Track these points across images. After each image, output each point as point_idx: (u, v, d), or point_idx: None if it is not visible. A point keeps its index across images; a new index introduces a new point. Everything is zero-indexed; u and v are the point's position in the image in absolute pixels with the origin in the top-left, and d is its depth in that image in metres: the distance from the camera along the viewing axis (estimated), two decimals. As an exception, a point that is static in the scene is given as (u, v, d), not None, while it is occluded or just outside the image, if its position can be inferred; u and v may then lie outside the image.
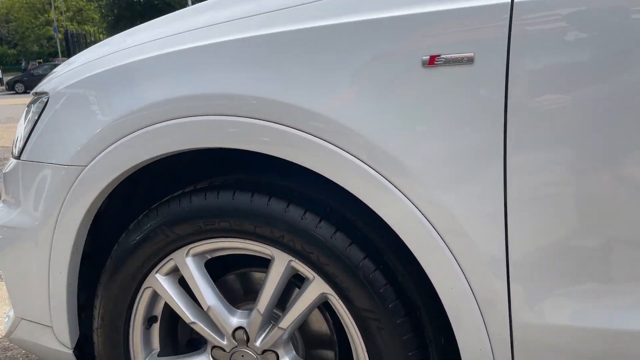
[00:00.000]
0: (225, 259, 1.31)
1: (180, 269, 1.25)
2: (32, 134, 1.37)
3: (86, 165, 1.25)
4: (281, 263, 1.16)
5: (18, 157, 1.41)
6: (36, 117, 1.37)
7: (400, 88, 0.97)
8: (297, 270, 1.17)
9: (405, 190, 1.00)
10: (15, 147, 1.47)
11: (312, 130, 1.02)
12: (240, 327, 1.24)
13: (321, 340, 1.32)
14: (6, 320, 1.66)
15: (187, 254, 1.24)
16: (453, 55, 0.92)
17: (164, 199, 1.26)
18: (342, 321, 1.17)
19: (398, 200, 1.00)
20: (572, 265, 0.94)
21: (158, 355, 1.37)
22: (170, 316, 1.39)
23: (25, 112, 1.50)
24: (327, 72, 1.01)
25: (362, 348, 1.14)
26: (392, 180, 1.00)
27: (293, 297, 1.20)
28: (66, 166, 1.28)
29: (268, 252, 1.17)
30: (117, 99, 1.20)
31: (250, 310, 1.26)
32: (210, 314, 1.24)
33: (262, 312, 1.20)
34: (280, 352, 1.23)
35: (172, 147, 1.14)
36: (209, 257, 1.27)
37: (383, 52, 0.98)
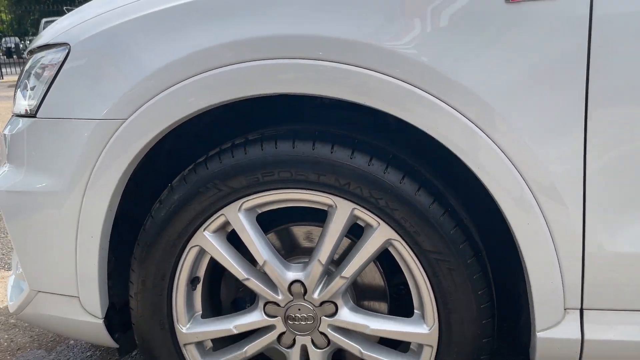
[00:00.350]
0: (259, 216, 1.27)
1: (232, 224, 1.22)
2: (51, 88, 1.27)
3: (126, 119, 1.17)
4: (344, 212, 1.15)
5: (33, 115, 1.30)
6: (54, 72, 1.27)
7: (484, 27, 0.99)
8: (359, 219, 1.17)
9: (487, 128, 1.02)
10: (22, 105, 1.36)
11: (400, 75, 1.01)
12: (296, 281, 1.23)
13: (372, 292, 1.33)
14: (10, 295, 1.54)
15: (239, 209, 1.20)
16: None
17: (212, 152, 1.21)
18: (405, 268, 1.19)
19: (479, 138, 1.02)
20: None
21: (201, 317, 1.32)
22: (211, 278, 1.35)
23: (28, 67, 1.39)
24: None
25: (428, 292, 1.16)
26: (474, 119, 1.02)
27: (356, 245, 1.20)
28: (101, 120, 1.20)
29: (328, 201, 1.16)
30: (165, 45, 1.13)
31: (304, 263, 1.24)
32: (267, 268, 1.22)
33: (323, 262, 1.19)
34: (339, 302, 1.23)
35: (240, 93, 1.10)
36: (259, 212, 1.24)
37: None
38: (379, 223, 1.15)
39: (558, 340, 1.12)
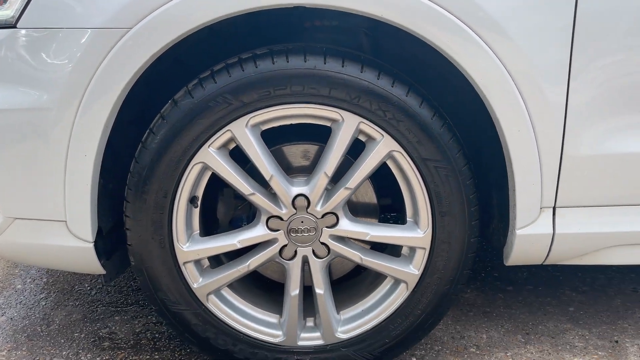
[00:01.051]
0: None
1: (238, 140, 1.26)
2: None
3: (131, 28, 1.16)
4: (351, 125, 1.25)
5: (12, 25, 1.23)
6: None
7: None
8: (362, 132, 1.26)
9: (486, 37, 1.14)
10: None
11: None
12: (299, 195, 1.30)
13: (364, 207, 1.44)
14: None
15: (246, 124, 1.24)
16: None
17: (218, 67, 1.23)
18: (401, 178, 1.30)
19: (480, 48, 1.14)
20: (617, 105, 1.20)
21: (200, 236, 1.35)
22: (206, 197, 1.38)
23: None
24: None
25: (424, 198, 1.29)
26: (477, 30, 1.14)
27: (360, 157, 1.29)
28: (100, 29, 1.17)
29: (336, 115, 1.24)
30: None
31: (306, 179, 1.32)
32: (272, 183, 1.28)
33: (329, 174, 1.27)
34: (340, 213, 1.33)
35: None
36: (263, 129, 1.29)
37: None
38: (382, 135, 1.25)
39: (534, 236, 1.31)
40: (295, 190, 1.31)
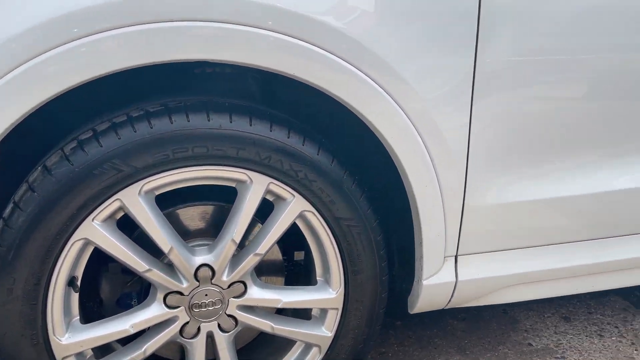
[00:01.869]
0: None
1: (130, 210, 1.10)
2: None
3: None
4: (260, 186, 1.16)
5: None
6: None
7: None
8: (271, 193, 1.18)
9: (394, 93, 1.13)
10: None
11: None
12: (203, 265, 1.18)
13: (269, 267, 1.35)
14: None
15: (139, 192, 1.09)
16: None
17: (102, 127, 1.06)
18: (311, 238, 1.25)
19: (388, 104, 1.13)
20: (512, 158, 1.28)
21: (81, 322, 1.15)
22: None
23: None
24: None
25: (336, 257, 1.25)
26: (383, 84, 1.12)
27: (269, 220, 1.20)
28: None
29: (242, 177, 1.15)
30: None
31: (209, 246, 1.20)
32: (173, 255, 1.14)
33: (237, 240, 1.17)
34: (248, 281, 1.23)
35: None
36: (157, 193, 1.14)
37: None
38: (293, 196, 1.18)
39: (438, 285, 1.34)
40: (198, 260, 1.18)
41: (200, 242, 1.24)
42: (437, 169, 1.22)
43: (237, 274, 1.21)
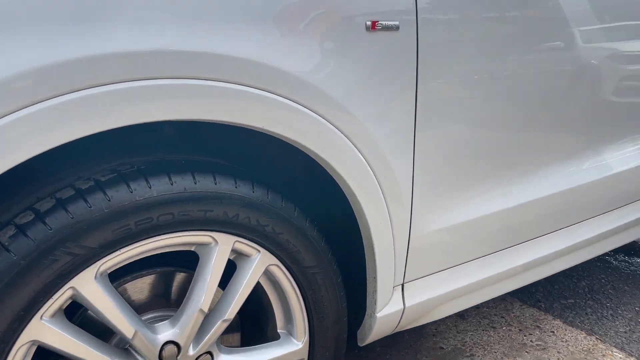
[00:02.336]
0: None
1: (84, 297, 0.94)
2: None
3: None
4: (226, 247, 1.08)
5: None
6: None
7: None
8: (235, 251, 1.11)
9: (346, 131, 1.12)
10: None
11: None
12: (168, 342, 1.06)
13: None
14: None
15: (95, 275, 0.94)
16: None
17: (45, 206, 0.89)
18: (272, 290, 1.20)
19: (343, 142, 1.12)
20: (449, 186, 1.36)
21: None
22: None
23: None
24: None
25: (300, 307, 1.22)
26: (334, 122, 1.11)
27: (233, 282, 1.11)
28: None
29: (206, 239, 1.06)
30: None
31: (169, 319, 1.08)
32: (137, 340, 1.00)
33: (206, 310, 1.07)
34: (214, 350, 1.13)
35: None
36: (109, 272, 1.00)
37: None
38: (259, 251, 1.12)
39: (389, 315, 1.37)
40: (162, 337, 1.05)
41: (153, 315, 1.11)
42: (388, 204, 1.25)
43: (204, 345, 1.10)
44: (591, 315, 2.26)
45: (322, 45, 1.07)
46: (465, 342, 2.01)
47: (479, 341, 2.02)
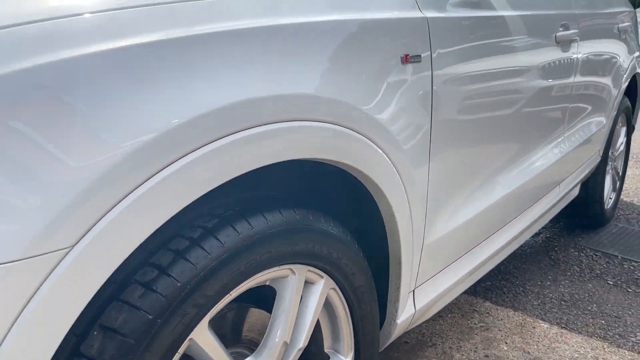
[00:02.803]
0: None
1: (199, 347, 0.93)
2: None
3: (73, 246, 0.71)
4: (301, 277, 1.12)
5: None
6: None
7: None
8: (307, 280, 1.15)
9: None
10: None
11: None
12: (255, 379, 1.07)
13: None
14: None
15: (208, 323, 0.94)
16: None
17: (167, 258, 0.87)
18: (324, 312, 1.26)
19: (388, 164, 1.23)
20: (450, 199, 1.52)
21: None
22: None
23: None
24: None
25: (348, 324, 1.29)
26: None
27: (300, 310, 1.15)
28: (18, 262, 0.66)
29: (285, 272, 1.09)
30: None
31: (248, 355, 1.10)
32: (238, 381, 1.01)
33: (289, 341, 1.10)
34: (286, 378, 1.16)
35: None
36: (206, 318, 0.99)
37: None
38: (322, 277, 1.17)
39: (405, 320, 1.50)
40: (252, 376, 1.06)
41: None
42: (413, 218, 1.37)
43: (283, 375, 1.12)
44: (508, 293, 2.60)
45: (375, 79, 1.15)
46: (424, 333, 2.21)
47: (434, 331, 2.23)
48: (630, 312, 2.46)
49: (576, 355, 2.11)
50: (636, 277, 2.81)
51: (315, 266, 1.13)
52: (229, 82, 0.84)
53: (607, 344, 2.19)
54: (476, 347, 2.12)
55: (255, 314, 1.16)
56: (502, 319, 2.34)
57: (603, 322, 2.38)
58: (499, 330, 2.26)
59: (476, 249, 1.75)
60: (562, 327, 2.30)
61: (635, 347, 2.17)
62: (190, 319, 0.86)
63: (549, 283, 2.72)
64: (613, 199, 3.49)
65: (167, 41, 0.78)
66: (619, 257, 3.02)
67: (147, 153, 0.73)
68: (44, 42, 0.69)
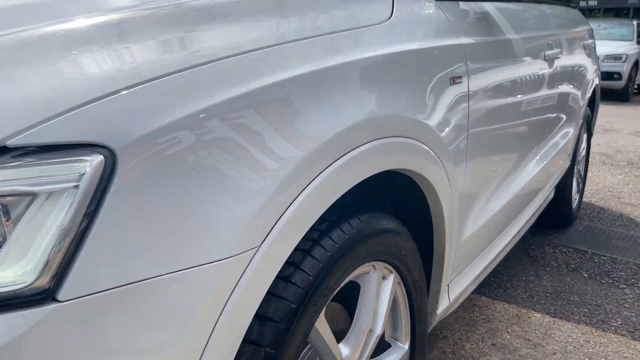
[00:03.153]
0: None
1: (319, 334, 1.08)
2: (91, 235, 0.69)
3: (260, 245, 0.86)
4: (380, 272, 1.29)
5: (49, 297, 0.66)
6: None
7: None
8: (383, 275, 1.32)
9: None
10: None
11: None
12: (345, 362, 1.23)
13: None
14: None
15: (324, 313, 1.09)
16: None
17: (297, 259, 1.02)
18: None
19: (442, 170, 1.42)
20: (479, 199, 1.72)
21: None
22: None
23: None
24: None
25: (406, 314, 1.46)
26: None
27: (377, 301, 1.31)
28: (226, 260, 0.80)
29: (369, 269, 1.26)
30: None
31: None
32: (341, 361, 1.17)
33: (374, 328, 1.27)
34: (366, 362, 1.32)
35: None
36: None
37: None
38: (392, 272, 1.34)
39: (442, 312, 1.68)
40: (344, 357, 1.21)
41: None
42: (454, 216, 1.56)
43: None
44: (498, 288, 2.84)
45: (433, 98, 1.34)
46: (434, 327, 2.40)
47: (442, 324, 2.43)
48: (607, 301, 2.74)
49: (570, 339, 2.35)
50: (607, 269, 3.11)
51: (388, 262, 1.29)
52: (357, 103, 1.01)
53: (593, 329, 2.45)
54: (483, 337, 2.33)
55: (332, 307, 1.32)
56: (499, 311, 2.57)
57: (586, 310, 2.64)
58: (499, 321, 2.48)
59: (490, 245, 1.96)
60: (553, 316, 2.55)
61: (619, 331, 2.44)
62: (318, 307, 1.01)
63: (532, 278, 2.98)
64: (577, 199, 3.82)
65: (329, 68, 0.94)
66: (589, 252, 3.32)
67: (318, 154, 0.89)
68: (262, 67, 0.85)
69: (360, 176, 1.03)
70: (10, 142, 0.64)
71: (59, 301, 0.63)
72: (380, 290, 1.32)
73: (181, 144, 0.74)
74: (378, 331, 1.30)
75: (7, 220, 0.63)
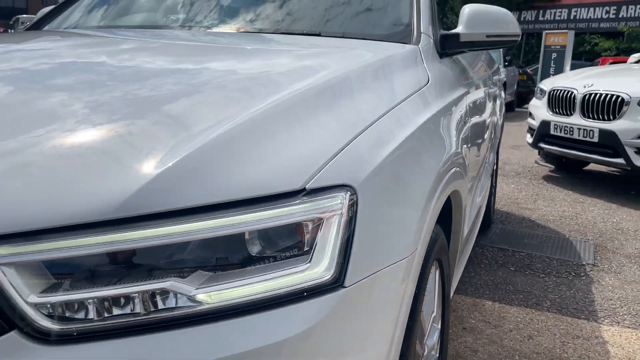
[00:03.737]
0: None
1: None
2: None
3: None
4: (435, 269, 1.72)
5: (339, 285, 1.01)
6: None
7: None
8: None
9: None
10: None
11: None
12: (422, 337, 1.64)
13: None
14: None
15: (420, 296, 1.51)
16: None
17: None
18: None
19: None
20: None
21: None
22: None
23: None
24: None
25: (440, 300, 1.90)
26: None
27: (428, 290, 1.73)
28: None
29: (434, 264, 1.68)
30: None
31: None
32: (426, 335, 1.58)
33: (436, 312, 1.69)
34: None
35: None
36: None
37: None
38: (437, 267, 1.77)
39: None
40: (421, 335, 1.62)
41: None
42: (465, 221, 2.03)
43: (428, 335, 1.69)
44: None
45: (456, 126, 1.80)
46: (413, 320, 2.85)
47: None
48: (535, 288, 3.37)
49: (519, 319, 2.92)
50: (527, 263, 3.77)
51: (437, 259, 1.72)
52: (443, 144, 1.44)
53: (532, 310, 3.04)
54: (454, 323, 2.83)
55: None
56: (459, 302, 3.09)
57: (521, 296, 3.24)
58: (462, 310, 2.99)
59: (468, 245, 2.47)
60: (500, 303, 3.11)
61: (551, 309, 3.05)
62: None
63: (473, 274, 3.55)
64: (492, 207, 4.51)
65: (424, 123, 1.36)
66: (510, 250, 3.98)
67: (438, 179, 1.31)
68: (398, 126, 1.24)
69: (448, 193, 1.45)
70: (308, 186, 0.98)
71: (345, 287, 0.98)
72: (432, 284, 1.74)
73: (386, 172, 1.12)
74: (435, 314, 1.71)
75: (313, 236, 0.96)
